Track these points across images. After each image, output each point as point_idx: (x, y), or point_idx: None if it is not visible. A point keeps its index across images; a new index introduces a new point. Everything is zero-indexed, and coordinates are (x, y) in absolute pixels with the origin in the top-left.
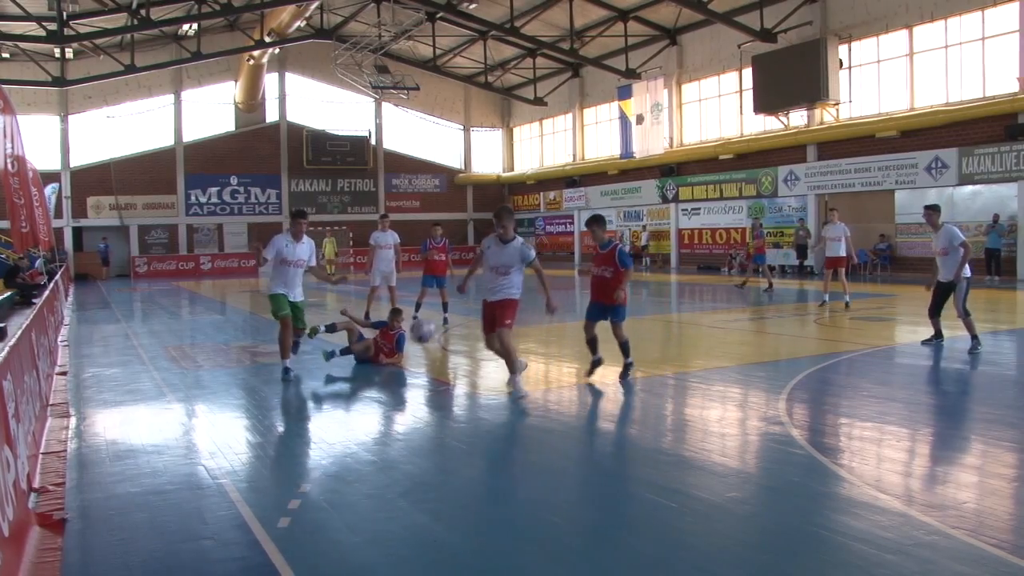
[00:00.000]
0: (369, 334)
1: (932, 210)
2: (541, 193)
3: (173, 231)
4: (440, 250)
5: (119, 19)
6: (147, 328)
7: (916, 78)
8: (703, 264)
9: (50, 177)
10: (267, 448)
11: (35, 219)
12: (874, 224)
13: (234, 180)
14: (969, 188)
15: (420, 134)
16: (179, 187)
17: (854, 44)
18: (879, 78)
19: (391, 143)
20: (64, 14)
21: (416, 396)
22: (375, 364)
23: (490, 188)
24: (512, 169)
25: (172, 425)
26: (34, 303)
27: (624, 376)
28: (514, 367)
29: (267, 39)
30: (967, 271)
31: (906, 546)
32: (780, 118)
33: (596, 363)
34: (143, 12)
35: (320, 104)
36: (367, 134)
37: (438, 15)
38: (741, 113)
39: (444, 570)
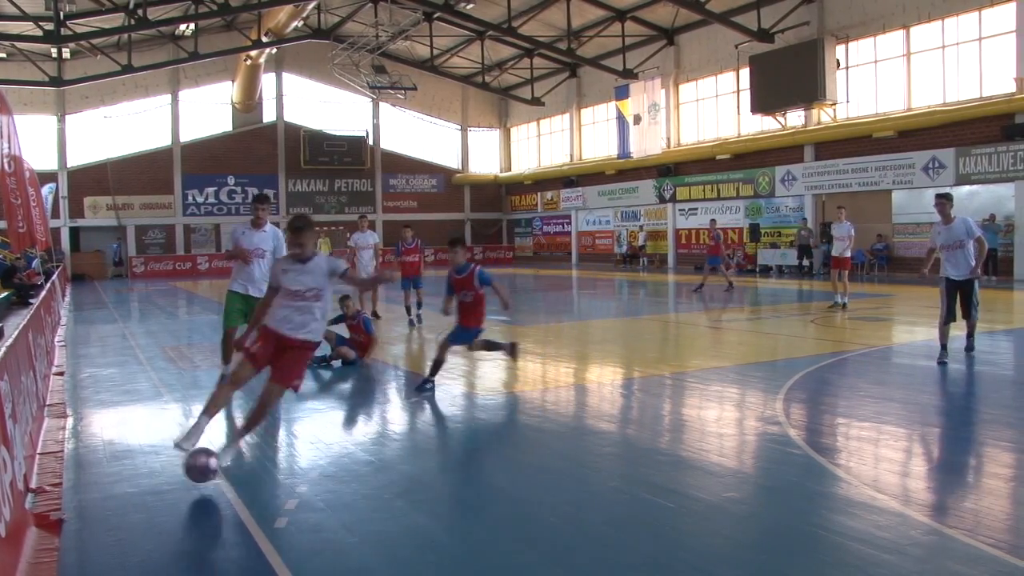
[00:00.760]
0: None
1: (944, 199)
2: (538, 193)
3: (170, 231)
4: (412, 251)
5: (116, 19)
6: (144, 328)
7: (913, 78)
8: (700, 264)
9: (47, 177)
10: (264, 448)
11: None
12: (871, 224)
13: (231, 180)
14: (966, 188)
15: (417, 134)
16: (176, 187)
17: (851, 44)
18: (876, 78)
19: (388, 143)
20: (61, 14)
21: (413, 396)
22: (363, 359)
23: (488, 188)
24: (509, 169)
25: (169, 425)
26: (31, 303)
27: (422, 388)
28: (244, 433)
29: (264, 39)
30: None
31: (903, 546)
32: (777, 118)
33: (425, 384)
34: (140, 12)
35: (317, 104)
36: (364, 134)
37: (435, 15)
38: (738, 113)
39: (442, 570)
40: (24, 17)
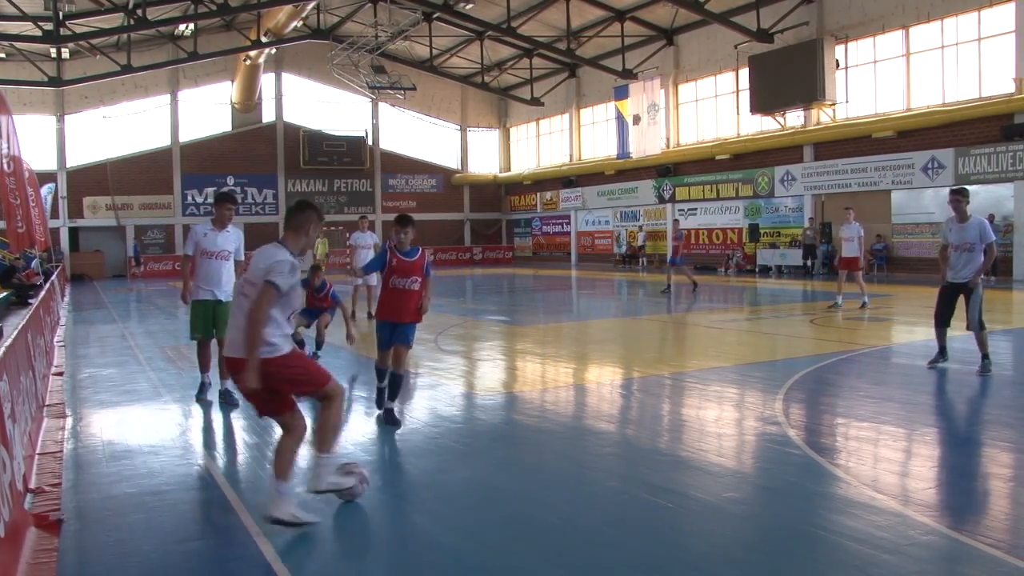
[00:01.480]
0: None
1: (960, 195)
2: (538, 193)
3: (170, 231)
4: None
5: (115, 19)
6: (143, 328)
7: (912, 78)
8: (700, 264)
9: (46, 177)
10: (264, 448)
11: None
12: (871, 224)
13: (231, 180)
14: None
15: (417, 134)
16: (175, 187)
17: (850, 44)
18: (875, 78)
19: (388, 143)
20: (60, 14)
21: (412, 396)
22: (347, 333)
23: (487, 188)
24: (509, 169)
25: (168, 426)
26: (30, 303)
27: (389, 420)
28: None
29: (263, 39)
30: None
31: (903, 546)
32: (777, 118)
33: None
34: (139, 12)
35: (317, 104)
36: (364, 134)
37: (435, 15)
38: (738, 113)
39: (441, 570)
40: (23, 17)
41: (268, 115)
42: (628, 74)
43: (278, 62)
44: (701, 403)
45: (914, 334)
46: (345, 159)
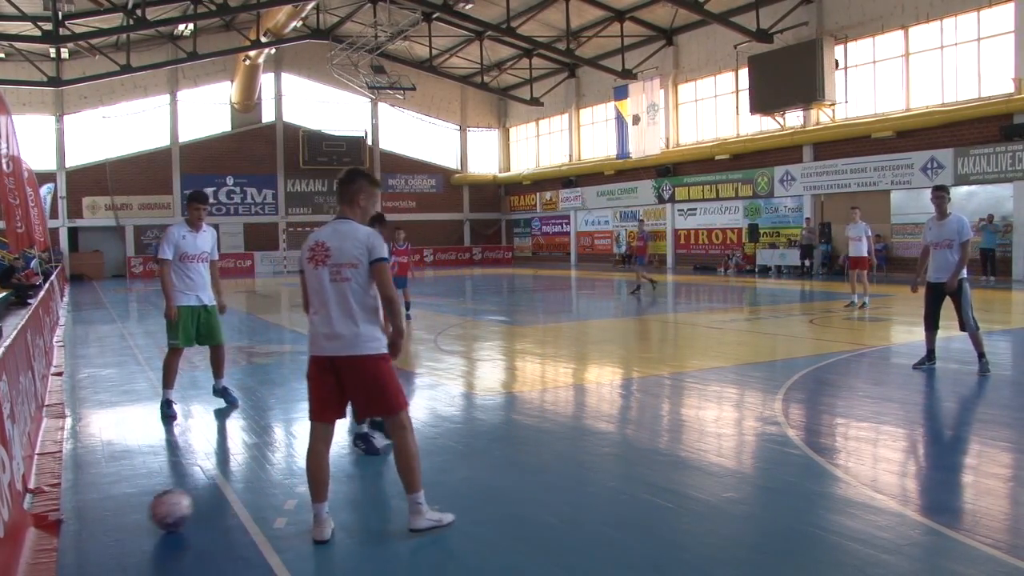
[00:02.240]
0: None
1: (943, 191)
2: (537, 193)
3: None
4: (403, 253)
5: (115, 19)
6: (143, 328)
7: (912, 79)
8: (699, 264)
9: (46, 177)
10: (263, 448)
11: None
12: (870, 224)
13: (230, 180)
14: (965, 188)
15: (416, 134)
16: (175, 187)
17: (850, 45)
18: (875, 79)
19: (387, 143)
20: (60, 14)
21: (412, 396)
22: None
23: (486, 188)
24: (508, 169)
25: (168, 426)
26: (30, 304)
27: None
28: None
29: (263, 39)
30: (963, 272)
31: (902, 546)
32: (776, 118)
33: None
34: (139, 12)
35: (316, 104)
36: (363, 134)
37: (434, 15)
38: (737, 113)
39: (441, 570)
40: (23, 17)
41: (268, 115)
42: (628, 74)
43: (278, 62)
44: (701, 403)
45: (913, 334)
46: (345, 159)
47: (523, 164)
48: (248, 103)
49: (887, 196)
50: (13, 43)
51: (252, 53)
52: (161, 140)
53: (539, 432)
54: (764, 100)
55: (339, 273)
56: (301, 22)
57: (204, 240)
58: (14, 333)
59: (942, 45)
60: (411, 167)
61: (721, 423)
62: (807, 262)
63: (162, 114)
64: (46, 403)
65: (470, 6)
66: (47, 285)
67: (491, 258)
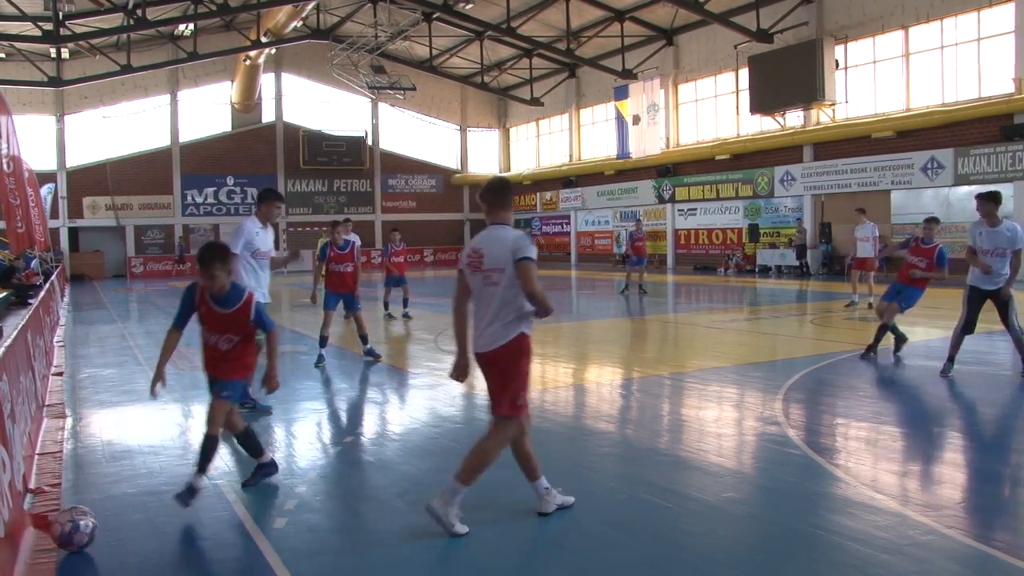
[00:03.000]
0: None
1: (990, 200)
2: (538, 194)
3: (169, 231)
4: (400, 253)
5: (115, 19)
6: (143, 329)
7: (912, 79)
8: (699, 264)
9: (46, 177)
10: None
11: (31, 219)
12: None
13: (230, 180)
14: (965, 189)
15: (416, 134)
16: (175, 187)
17: (850, 45)
18: (875, 79)
19: (387, 143)
20: (60, 14)
21: (412, 396)
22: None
23: None
24: (508, 169)
25: (168, 426)
26: (30, 304)
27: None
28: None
29: (263, 39)
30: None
31: (902, 546)
32: (776, 118)
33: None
34: (139, 12)
35: (316, 104)
36: (363, 134)
37: (434, 15)
38: (737, 113)
39: (441, 571)
40: (23, 17)
41: (268, 115)
42: (628, 74)
43: (278, 62)
44: (701, 403)
45: (913, 334)
46: (345, 159)
47: (523, 164)
48: (248, 103)
49: (887, 196)
50: (13, 43)
51: (252, 53)
52: (161, 140)
53: (539, 432)
54: (764, 100)
55: (489, 278)
56: (301, 22)
57: (271, 238)
58: (14, 333)
59: (942, 45)
60: (411, 167)
61: (721, 423)
62: (803, 262)
63: (162, 114)
64: (46, 403)
65: (470, 6)
66: (47, 285)
67: None
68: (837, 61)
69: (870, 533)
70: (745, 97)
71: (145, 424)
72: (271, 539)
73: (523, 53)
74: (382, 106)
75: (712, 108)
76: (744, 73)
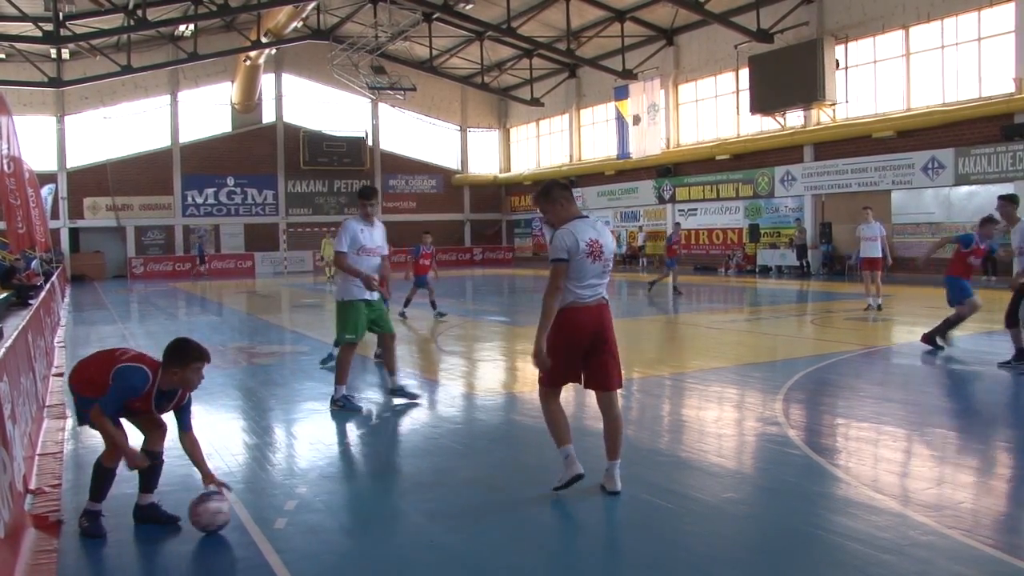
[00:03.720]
0: None
1: (1009, 201)
2: None
3: (170, 232)
4: (428, 256)
5: (115, 20)
6: (144, 329)
7: (912, 78)
8: (700, 265)
9: (46, 178)
10: (263, 449)
11: (31, 220)
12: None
13: (231, 181)
14: (965, 188)
15: (417, 135)
16: (176, 188)
17: (850, 44)
18: (875, 78)
19: (388, 144)
20: (60, 15)
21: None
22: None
23: (487, 189)
24: (509, 170)
25: (168, 426)
26: (30, 304)
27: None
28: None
29: (263, 40)
30: None
31: (903, 546)
32: (777, 118)
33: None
34: (139, 13)
35: (317, 105)
36: (364, 135)
37: (434, 16)
38: (738, 114)
39: (441, 571)
40: (23, 18)
41: (268, 115)
42: (628, 74)
43: (278, 62)
44: (701, 403)
45: (914, 334)
46: (345, 160)
47: (524, 164)
48: (249, 104)
49: (888, 196)
50: (14, 44)
51: (253, 54)
52: (162, 141)
53: (539, 432)
54: (764, 100)
55: (606, 265)
56: (302, 22)
57: (379, 235)
58: (15, 334)
59: (943, 45)
60: (411, 167)
61: (721, 423)
62: (803, 262)
63: (163, 115)
64: (47, 404)
65: (470, 6)
66: (48, 286)
67: (492, 258)
68: (837, 61)
69: (871, 533)
70: (745, 97)
71: None
72: (271, 539)
73: (523, 53)
74: (382, 106)
75: (712, 108)
76: (744, 73)
